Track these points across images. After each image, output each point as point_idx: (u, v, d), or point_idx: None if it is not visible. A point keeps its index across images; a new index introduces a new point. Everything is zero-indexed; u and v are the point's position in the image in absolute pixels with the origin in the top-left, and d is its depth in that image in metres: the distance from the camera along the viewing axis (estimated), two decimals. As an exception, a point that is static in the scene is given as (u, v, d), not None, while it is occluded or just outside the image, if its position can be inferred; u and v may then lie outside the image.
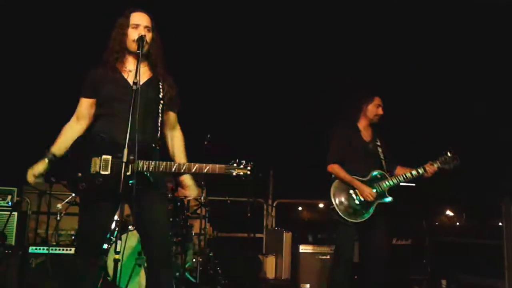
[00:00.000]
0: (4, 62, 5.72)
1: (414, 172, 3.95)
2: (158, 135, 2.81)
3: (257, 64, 6.63)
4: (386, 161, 4.11)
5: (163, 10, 3.62)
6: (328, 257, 5.25)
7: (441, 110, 6.87)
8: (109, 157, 2.61)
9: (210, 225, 5.82)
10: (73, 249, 4.39)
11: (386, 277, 4.06)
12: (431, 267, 5.47)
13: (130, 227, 4.37)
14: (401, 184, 3.98)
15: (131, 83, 2.62)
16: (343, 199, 3.93)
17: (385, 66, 6.57)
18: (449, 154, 3.95)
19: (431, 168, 3.92)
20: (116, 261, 2.37)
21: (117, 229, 4.32)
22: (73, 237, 4.87)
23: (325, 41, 6.44)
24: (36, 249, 4.46)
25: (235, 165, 2.63)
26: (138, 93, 2.52)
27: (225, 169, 2.64)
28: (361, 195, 3.89)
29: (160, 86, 2.84)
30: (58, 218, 4.82)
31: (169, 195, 4.70)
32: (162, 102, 2.82)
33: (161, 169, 2.63)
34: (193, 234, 5.37)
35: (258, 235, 6.82)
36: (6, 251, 4.37)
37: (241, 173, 2.62)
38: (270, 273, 6.19)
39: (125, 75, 2.79)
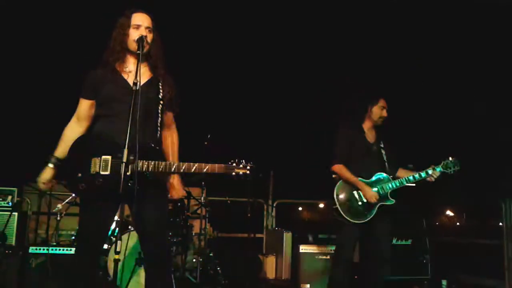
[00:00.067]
0: (4, 62, 5.72)
1: (416, 176, 3.98)
2: (158, 135, 2.81)
3: (257, 64, 6.63)
4: (389, 164, 4.12)
5: (163, 10, 3.62)
6: (328, 257, 5.26)
7: (441, 110, 6.87)
8: (109, 157, 2.61)
9: (210, 225, 5.82)
10: (73, 249, 4.39)
11: (386, 277, 4.07)
12: (431, 267, 5.48)
13: (130, 227, 4.37)
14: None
15: (131, 83, 2.62)
16: (346, 200, 3.94)
17: (385, 66, 6.57)
18: (450, 159, 3.98)
19: (434, 173, 3.95)
20: (116, 261, 2.37)
21: (117, 229, 4.33)
22: (73, 238, 4.87)
23: (325, 41, 6.44)
24: (36, 249, 4.45)
25: (234, 164, 2.63)
26: (138, 94, 2.52)
27: (225, 168, 2.63)
28: (365, 197, 3.90)
29: (160, 87, 2.84)
30: (58, 218, 4.82)
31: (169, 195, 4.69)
32: (161, 102, 2.83)
33: (160, 169, 2.63)
34: (193, 234, 5.37)
35: (258, 235, 6.82)
36: (6, 251, 4.38)
37: (241, 172, 2.62)
38: (270, 273, 6.19)
39: (125, 76, 2.80)
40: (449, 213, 17.52)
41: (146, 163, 2.60)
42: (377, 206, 3.92)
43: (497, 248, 5.03)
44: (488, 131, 6.47)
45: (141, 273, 4.18)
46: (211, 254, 5.37)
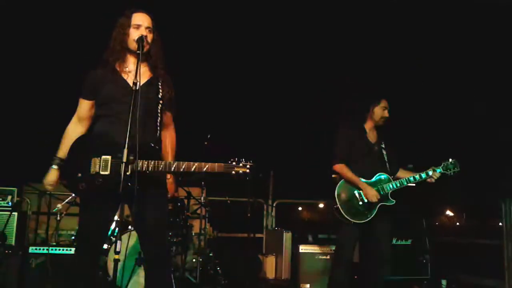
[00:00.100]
0: (4, 62, 5.72)
1: (417, 177, 4.00)
2: (158, 134, 2.82)
3: (257, 64, 6.63)
4: (390, 164, 4.13)
5: (163, 10, 3.62)
6: (328, 257, 5.25)
7: (441, 110, 6.87)
8: (109, 157, 2.61)
9: (210, 225, 5.82)
10: (73, 249, 4.39)
11: (386, 277, 4.08)
12: (431, 267, 5.47)
13: (130, 227, 4.37)
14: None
15: (131, 83, 2.63)
16: (347, 200, 3.95)
17: (385, 66, 6.57)
18: (450, 160, 3.99)
19: (435, 174, 3.97)
20: (116, 261, 2.37)
21: (117, 229, 4.32)
22: (73, 238, 4.87)
23: (325, 41, 6.44)
24: (36, 249, 4.46)
25: (234, 163, 2.63)
26: (138, 93, 2.52)
27: (225, 167, 2.63)
28: (366, 197, 3.91)
29: (160, 87, 2.84)
30: (58, 218, 4.82)
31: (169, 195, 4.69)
32: (161, 102, 2.83)
33: (160, 168, 2.63)
34: (193, 234, 5.37)
35: (258, 235, 6.81)
36: (6, 251, 4.37)
37: (241, 171, 2.62)
38: (270, 273, 6.19)
39: (125, 76, 2.80)
40: (449, 213, 17.52)
41: (146, 162, 2.60)
42: (378, 206, 3.92)
43: (496, 248, 5.02)
44: (488, 131, 6.47)
45: (141, 273, 4.17)
46: (211, 254, 5.37)
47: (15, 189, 5.16)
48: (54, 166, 2.81)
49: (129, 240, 4.06)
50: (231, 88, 6.83)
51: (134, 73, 2.57)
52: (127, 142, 2.42)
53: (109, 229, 3.83)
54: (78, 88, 2.88)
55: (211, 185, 5.67)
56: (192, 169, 2.63)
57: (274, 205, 7.29)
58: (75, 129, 2.86)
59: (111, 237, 4.43)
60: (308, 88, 7.06)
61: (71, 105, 2.92)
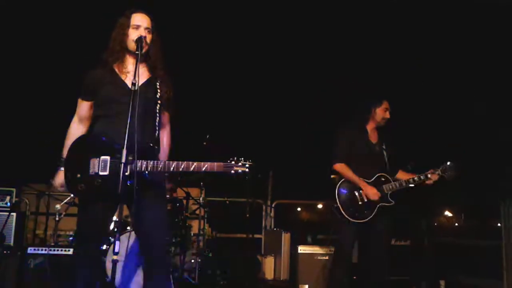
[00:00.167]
0: (3, 62, 5.71)
1: (416, 178, 4.03)
2: (156, 135, 2.81)
3: (257, 64, 6.62)
4: (390, 165, 4.13)
5: (163, 10, 3.61)
6: (327, 257, 5.25)
7: (441, 110, 6.86)
8: (108, 157, 2.60)
9: (209, 225, 5.81)
10: (71, 250, 4.38)
11: (385, 278, 4.08)
12: (430, 267, 5.47)
13: (129, 227, 4.36)
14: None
15: (129, 84, 2.62)
16: (347, 199, 3.95)
17: (385, 66, 6.57)
18: (449, 163, 4.01)
19: (434, 176, 3.98)
20: (114, 262, 2.36)
21: (116, 230, 4.31)
22: (71, 238, 4.85)
23: (325, 41, 6.43)
24: (34, 250, 4.44)
25: (233, 162, 2.62)
26: (137, 94, 2.51)
27: (224, 166, 2.62)
28: (367, 196, 3.92)
29: (158, 87, 2.84)
30: (57, 219, 4.81)
31: (168, 195, 4.69)
32: (159, 102, 2.83)
33: (159, 168, 2.62)
34: (192, 234, 5.36)
35: (257, 235, 6.80)
36: (5, 252, 4.36)
37: (240, 170, 2.61)
38: (269, 273, 6.18)
39: (124, 76, 2.79)
40: (448, 213, 17.51)
41: (145, 163, 2.59)
42: (377, 206, 3.93)
43: (495, 249, 5.02)
44: (488, 131, 6.47)
45: (140, 274, 4.17)
46: (209, 255, 5.36)
47: (13, 189, 5.14)
48: (61, 168, 2.79)
49: (128, 241, 4.06)
50: (231, 88, 6.83)
51: (133, 73, 2.57)
52: (126, 142, 2.41)
53: (107, 229, 3.82)
54: (77, 89, 2.87)
55: (209, 185, 5.67)
56: (191, 168, 2.62)
57: (273, 205, 7.29)
58: (77, 129, 2.86)
59: (110, 237, 4.42)
60: (308, 88, 7.06)
61: (70, 106, 2.91)
